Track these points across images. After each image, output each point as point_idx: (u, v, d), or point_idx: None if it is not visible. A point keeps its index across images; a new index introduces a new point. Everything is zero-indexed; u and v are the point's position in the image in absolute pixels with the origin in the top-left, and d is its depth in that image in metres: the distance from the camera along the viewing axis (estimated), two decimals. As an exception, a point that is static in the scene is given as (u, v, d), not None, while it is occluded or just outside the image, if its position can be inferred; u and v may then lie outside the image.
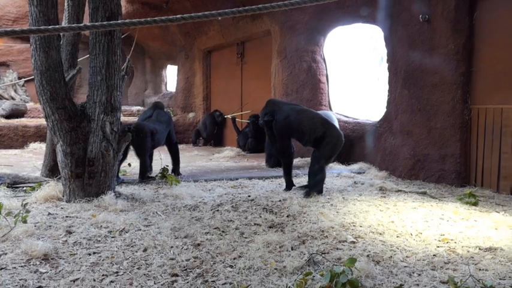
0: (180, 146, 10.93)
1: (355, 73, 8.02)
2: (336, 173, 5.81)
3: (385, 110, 6.03)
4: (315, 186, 4.25)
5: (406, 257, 2.55)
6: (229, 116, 9.20)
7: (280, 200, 4.01)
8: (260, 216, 3.46)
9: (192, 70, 11.68)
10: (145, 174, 5.11)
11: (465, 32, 4.91)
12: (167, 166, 5.30)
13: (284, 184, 4.76)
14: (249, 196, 4.23)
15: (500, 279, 2.22)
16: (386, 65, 5.86)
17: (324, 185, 4.58)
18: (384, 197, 4.28)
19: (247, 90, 9.85)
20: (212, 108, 11.26)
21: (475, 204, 3.96)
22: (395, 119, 5.73)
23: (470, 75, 4.98)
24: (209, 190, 4.62)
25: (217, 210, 3.67)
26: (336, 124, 6.30)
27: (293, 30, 7.49)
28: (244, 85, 10.01)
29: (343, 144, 4.42)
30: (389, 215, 3.53)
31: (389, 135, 5.85)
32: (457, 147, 5.01)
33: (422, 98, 5.32)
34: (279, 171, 5.99)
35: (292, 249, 2.68)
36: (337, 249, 2.67)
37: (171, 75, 14.01)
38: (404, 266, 2.40)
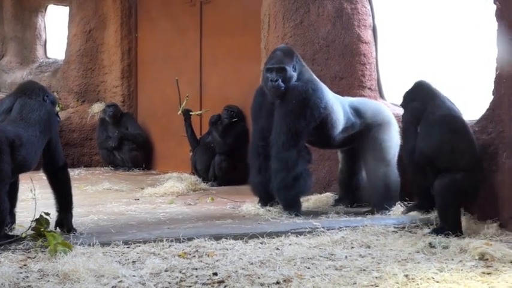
0: (76, 172, 10.59)
1: (430, 29, 7.95)
2: (391, 223, 5.88)
3: (490, 97, 5.98)
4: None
5: None
6: (180, 111, 9.40)
7: (278, 282, 3.95)
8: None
9: (99, 16, 11.83)
10: (0, 231, 4.94)
11: None
12: (47, 214, 5.16)
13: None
14: (216, 275, 4.15)
15: None
16: (493, 7, 5.86)
17: (369, 250, 4.67)
18: (489, 274, 4.21)
19: (213, 57, 10.01)
20: (141, 94, 11.43)
21: None
22: (512, 115, 5.69)
23: None
24: (133, 263, 4.53)
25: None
26: (395, 127, 6.55)
27: None
28: (205, 47, 10.18)
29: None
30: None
31: (500, 148, 5.81)
32: None
33: None
34: (278, 223, 5.96)
35: None
36: None
37: (55, 27, 13.88)
38: None
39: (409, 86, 5.99)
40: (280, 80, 6.22)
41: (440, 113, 5.65)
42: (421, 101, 5.74)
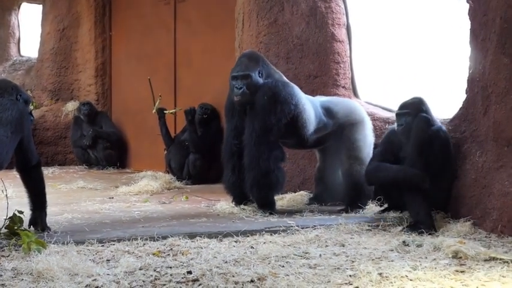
0: (50, 170, 10.51)
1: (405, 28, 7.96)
2: (365, 222, 5.89)
3: (463, 97, 6.04)
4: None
5: None
6: (154, 110, 9.43)
7: (252, 280, 3.93)
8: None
9: (72, 14, 11.79)
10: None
11: None
12: (21, 212, 5.14)
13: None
14: (190, 273, 4.13)
15: None
16: (467, 6, 5.90)
17: (343, 248, 4.69)
18: (462, 272, 4.22)
19: (187, 55, 10.01)
20: (116, 93, 11.43)
21: None
22: (485, 114, 5.69)
23: None
24: (107, 261, 4.51)
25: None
26: (368, 126, 6.53)
27: None
28: (180, 45, 10.17)
29: None
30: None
31: (473, 146, 5.85)
32: None
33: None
34: (252, 222, 5.95)
35: None
36: None
37: (29, 25, 13.79)
38: None
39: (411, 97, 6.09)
40: (245, 88, 6.18)
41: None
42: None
